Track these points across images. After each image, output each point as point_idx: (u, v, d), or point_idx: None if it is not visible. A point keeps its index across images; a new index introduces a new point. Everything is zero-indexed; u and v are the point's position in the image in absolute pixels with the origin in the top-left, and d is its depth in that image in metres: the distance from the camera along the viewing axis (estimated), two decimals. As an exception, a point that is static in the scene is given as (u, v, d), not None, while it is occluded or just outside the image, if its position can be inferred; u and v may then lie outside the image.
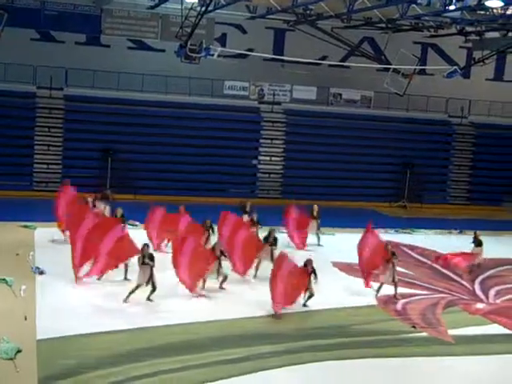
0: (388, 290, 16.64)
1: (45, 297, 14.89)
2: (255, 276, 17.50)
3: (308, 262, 15.45)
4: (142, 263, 14.93)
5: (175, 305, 15.15)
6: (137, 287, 14.97)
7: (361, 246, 17.33)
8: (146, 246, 15.35)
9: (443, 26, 27.31)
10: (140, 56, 29.90)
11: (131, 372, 11.53)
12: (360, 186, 31.38)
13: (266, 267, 16.68)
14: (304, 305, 15.50)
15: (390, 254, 16.51)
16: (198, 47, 24.71)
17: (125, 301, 14.86)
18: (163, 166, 29.40)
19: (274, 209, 27.44)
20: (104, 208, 20.70)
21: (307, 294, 15.45)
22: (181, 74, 28.60)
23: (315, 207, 21.91)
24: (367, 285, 16.77)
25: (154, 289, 14.99)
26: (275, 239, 18.19)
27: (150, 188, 28.22)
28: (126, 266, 16.41)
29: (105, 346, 12.56)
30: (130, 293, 14.93)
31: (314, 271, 15.50)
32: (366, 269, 16.94)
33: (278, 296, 14.73)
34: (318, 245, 21.70)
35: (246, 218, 20.51)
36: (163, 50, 29.21)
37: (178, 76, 28.80)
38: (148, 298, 15.02)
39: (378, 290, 16.67)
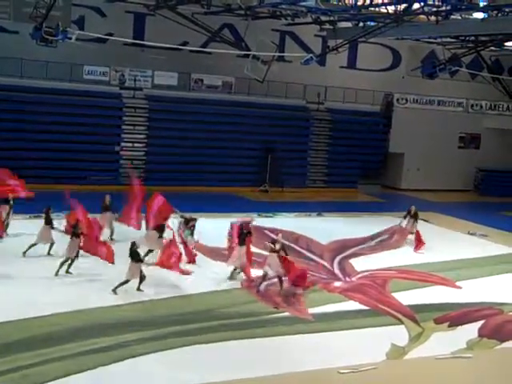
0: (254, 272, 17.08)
1: None
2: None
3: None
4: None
5: (34, 296, 14.61)
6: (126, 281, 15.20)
7: None
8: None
9: (299, 14, 28.21)
10: (-9, 37, 28.45)
11: (-10, 369, 11.07)
12: (223, 172, 31.78)
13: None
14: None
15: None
16: (54, 30, 23.86)
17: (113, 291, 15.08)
18: (22, 153, 28.21)
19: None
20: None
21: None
22: (37, 58, 27.56)
23: (107, 198, 19.81)
24: None
25: (142, 278, 15.26)
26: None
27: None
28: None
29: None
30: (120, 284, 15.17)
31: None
32: None
33: None
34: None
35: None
36: (17, 32, 27.98)
37: (33, 60, 27.73)
38: (138, 288, 15.29)
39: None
